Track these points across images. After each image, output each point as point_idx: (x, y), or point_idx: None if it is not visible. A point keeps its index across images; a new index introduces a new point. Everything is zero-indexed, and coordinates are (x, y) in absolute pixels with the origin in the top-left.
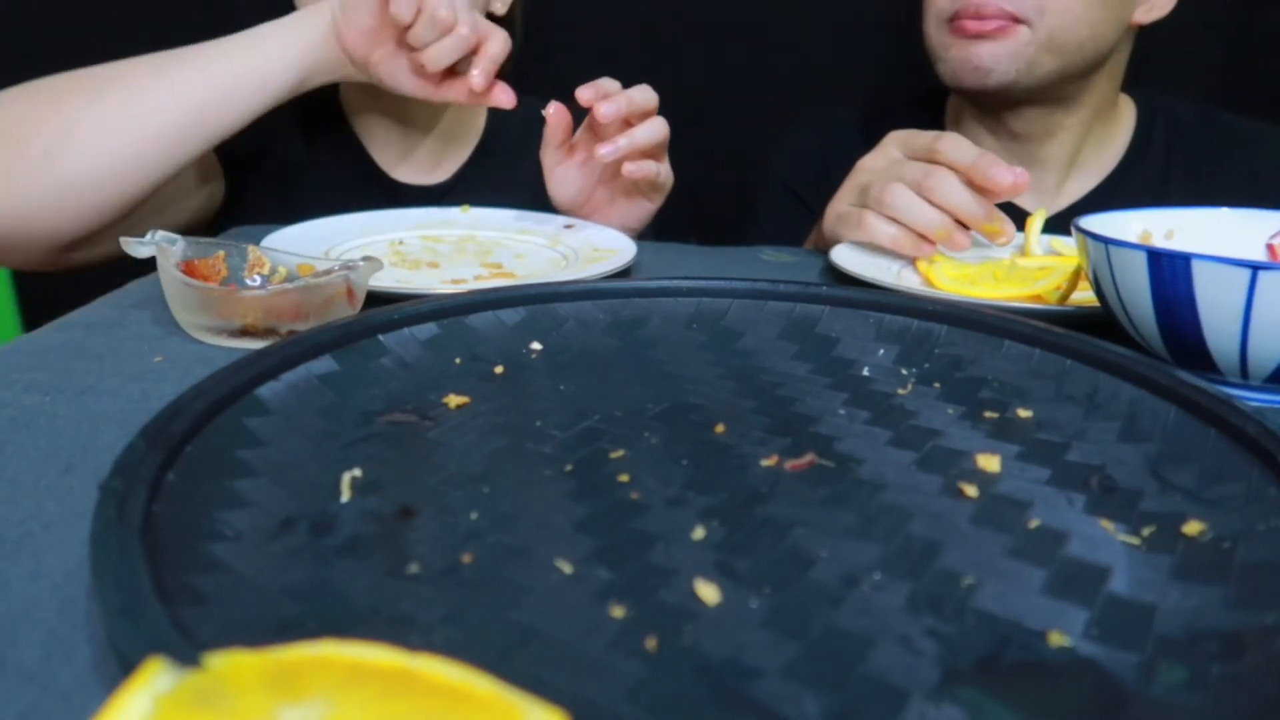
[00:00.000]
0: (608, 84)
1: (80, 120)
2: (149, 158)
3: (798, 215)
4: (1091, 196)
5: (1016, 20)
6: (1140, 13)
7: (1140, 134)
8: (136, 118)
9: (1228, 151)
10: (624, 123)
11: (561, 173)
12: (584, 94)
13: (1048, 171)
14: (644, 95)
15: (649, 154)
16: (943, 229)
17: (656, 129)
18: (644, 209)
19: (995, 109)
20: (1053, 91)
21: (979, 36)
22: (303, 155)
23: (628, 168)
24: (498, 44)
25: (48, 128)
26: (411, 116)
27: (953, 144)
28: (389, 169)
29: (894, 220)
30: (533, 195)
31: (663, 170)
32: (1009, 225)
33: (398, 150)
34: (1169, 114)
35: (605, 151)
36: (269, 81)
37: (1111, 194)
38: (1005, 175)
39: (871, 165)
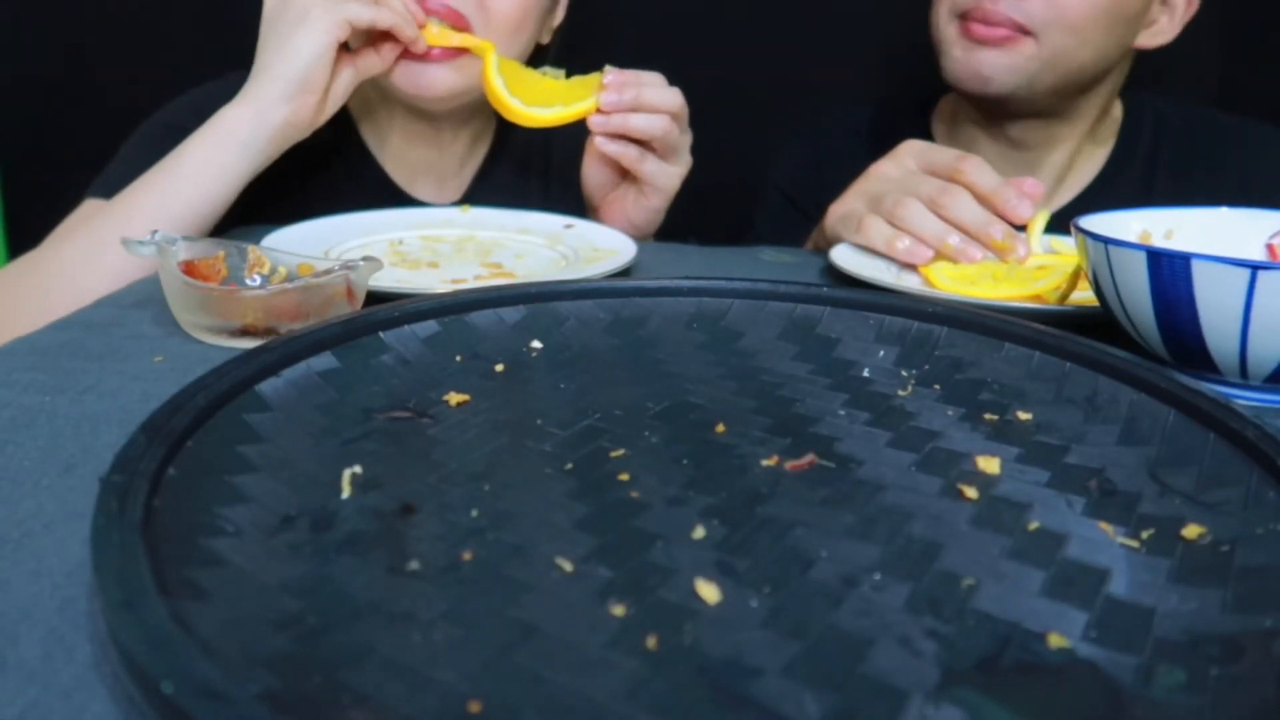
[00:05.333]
0: (647, 76)
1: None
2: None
3: (795, 221)
4: (1079, 200)
5: (1024, 32)
6: (1144, 38)
7: (1125, 136)
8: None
9: (1215, 151)
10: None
11: (595, 156)
12: (609, 84)
13: (1043, 179)
14: (656, 94)
15: (646, 145)
16: (950, 246)
17: (653, 123)
18: (644, 206)
19: (994, 117)
20: (1050, 105)
21: (984, 43)
22: (315, 176)
23: (599, 140)
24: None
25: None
26: (435, 140)
27: (976, 168)
28: (405, 186)
29: (903, 231)
30: (543, 196)
31: (649, 162)
32: (1021, 242)
33: (414, 169)
34: (1155, 115)
35: (595, 123)
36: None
37: (1097, 197)
38: (1027, 210)
39: (886, 173)
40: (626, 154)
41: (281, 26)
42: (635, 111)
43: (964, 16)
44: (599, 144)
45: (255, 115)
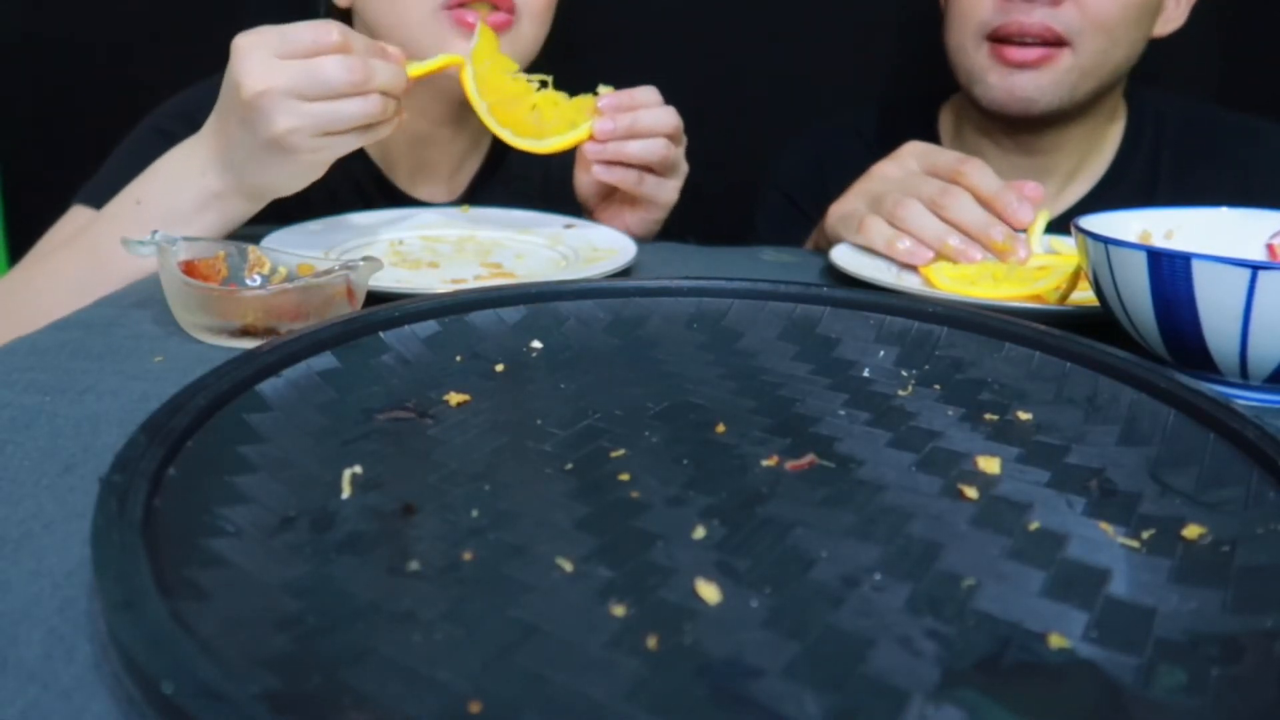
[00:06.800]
0: (642, 96)
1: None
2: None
3: (796, 221)
4: (1084, 202)
5: (1060, 43)
6: (1158, 26)
7: (1129, 135)
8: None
9: (1216, 149)
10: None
11: (586, 167)
12: (603, 109)
13: (1050, 181)
14: (652, 118)
15: (646, 168)
16: (950, 247)
17: (650, 148)
18: (643, 219)
19: (1019, 127)
20: (1081, 109)
21: (1021, 66)
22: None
23: (597, 169)
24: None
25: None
26: (434, 140)
27: (978, 171)
28: (405, 186)
29: (903, 232)
30: (543, 195)
31: (648, 183)
32: (1021, 244)
33: (413, 169)
34: (1157, 114)
35: (590, 151)
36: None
37: (1102, 198)
38: (1027, 213)
39: (887, 174)
40: (625, 180)
41: (256, 135)
42: (631, 138)
43: (994, 36)
44: (596, 172)
45: (251, 205)
